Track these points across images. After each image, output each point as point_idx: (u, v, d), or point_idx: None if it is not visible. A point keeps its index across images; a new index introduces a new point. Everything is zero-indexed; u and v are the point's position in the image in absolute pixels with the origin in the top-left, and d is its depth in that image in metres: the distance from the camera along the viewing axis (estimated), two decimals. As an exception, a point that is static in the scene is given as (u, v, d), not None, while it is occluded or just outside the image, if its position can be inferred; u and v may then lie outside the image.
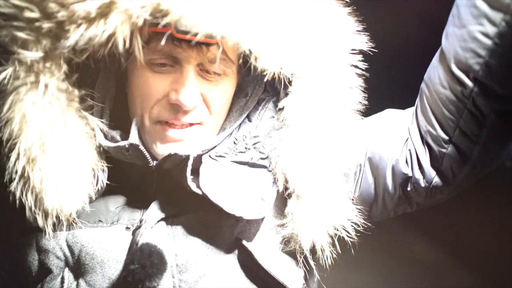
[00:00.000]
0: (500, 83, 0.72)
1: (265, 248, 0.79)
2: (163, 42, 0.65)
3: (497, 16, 0.69)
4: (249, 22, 0.64)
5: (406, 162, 0.83)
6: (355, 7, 0.79)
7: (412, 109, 0.86)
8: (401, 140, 0.84)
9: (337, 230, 0.80)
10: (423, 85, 0.83)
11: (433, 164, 0.81)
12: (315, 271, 0.89)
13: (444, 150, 0.79)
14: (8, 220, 0.78)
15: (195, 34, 0.63)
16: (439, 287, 2.12)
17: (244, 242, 0.77)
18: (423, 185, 0.82)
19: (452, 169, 0.80)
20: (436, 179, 0.81)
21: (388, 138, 0.86)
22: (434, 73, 0.79)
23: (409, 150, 0.83)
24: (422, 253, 2.33)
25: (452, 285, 2.09)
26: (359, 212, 0.81)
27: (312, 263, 0.82)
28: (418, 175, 0.82)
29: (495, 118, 0.74)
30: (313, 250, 0.81)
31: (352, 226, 0.80)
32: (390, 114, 0.90)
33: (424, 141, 0.82)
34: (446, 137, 0.78)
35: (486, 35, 0.70)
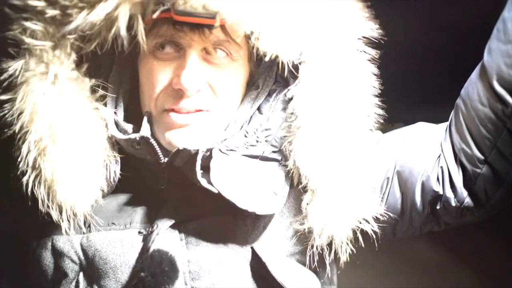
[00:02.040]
0: None
1: (279, 257, 0.78)
2: (155, 15, 0.63)
3: None
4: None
5: (438, 179, 0.80)
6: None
7: (446, 124, 0.83)
8: (433, 156, 0.81)
9: (360, 223, 0.77)
10: (459, 101, 0.79)
11: (466, 184, 0.78)
12: (334, 280, 0.88)
13: (478, 170, 0.76)
14: (24, 223, 0.78)
15: (194, 16, 0.62)
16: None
17: (258, 251, 0.75)
18: (453, 204, 0.79)
19: (486, 190, 0.77)
20: (467, 200, 0.79)
21: (420, 153, 0.82)
22: (473, 89, 0.75)
23: (441, 167, 0.80)
24: (423, 253, 2.34)
25: (453, 286, 2.11)
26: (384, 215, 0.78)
27: (327, 259, 0.79)
28: (449, 193, 0.79)
29: None
30: (330, 246, 0.78)
31: (374, 219, 0.77)
32: (422, 128, 0.87)
33: (458, 159, 0.79)
34: (482, 157, 0.75)
35: None
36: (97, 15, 0.60)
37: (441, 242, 2.39)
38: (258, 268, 0.75)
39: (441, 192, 0.80)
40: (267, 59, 0.68)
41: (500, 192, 0.76)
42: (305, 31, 0.70)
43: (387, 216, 0.80)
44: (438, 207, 0.81)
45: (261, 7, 0.63)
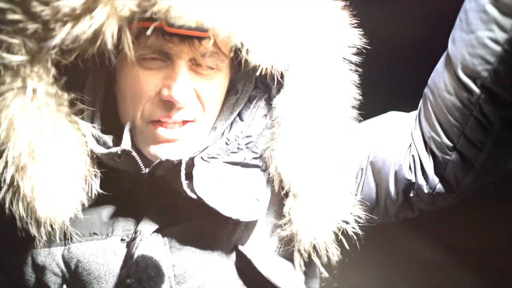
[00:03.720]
0: (508, 90, 0.70)
1: (264, 254, 0.79)
2: (149, 32, 0.62)
3: (507, 22, 0.68)
4: (241, 14, 0.62)
5: (410, 168, 0.82)
6: (349, 3, 0.78)
7: (416, 112, 0.85)
8: (404, 145, 0.83)
9: (340, 226, 0.79)
10: (427, 90, 0.81)
11: (437, 171, 0.80)
12: (316, 273, 0.89)
13: (448, 157, 0.78)
14: (3, 239, 0.76)
15: (187, 29, 0.61)
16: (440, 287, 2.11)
17: (243, 249, 0.76)
18: (426, 191, 0.81)
19: (456, 176, 0.79)
20: (439, 186, 0.80)
21: (392, 143, 0.84)
22: (439, 78, 0.77)
23: (413, 155, 0.82)
24: (423, 253, 2.32)
25: (452, 286, 2.09)
26: (360, 205, 0.80)
27: (317, 261, 0.81)
28: (421, 181, 0.81)
29: (501, 125, 0.73)
30: (316, 248, 0.80)
31: (355, 220, 0.79)
32: (393, 117, 0.89)
33: (428, 147, 0.81)
34: (450, 144, 0.77)
35: (495, 41, 0.69)
36: (82, 30, 0.58)
37: (441, 242, 2.37)
38: (244, 266, 0.76)
39: (413, 180, 0.81)
40: (258, 73, 0.68)
41: (469, 177, 0.78)
42: (294, 43, 0.71)
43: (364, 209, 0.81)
44: (411, 195, 0.83)
45: (253, 21, 0.63)
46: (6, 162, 0.65)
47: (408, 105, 0.88)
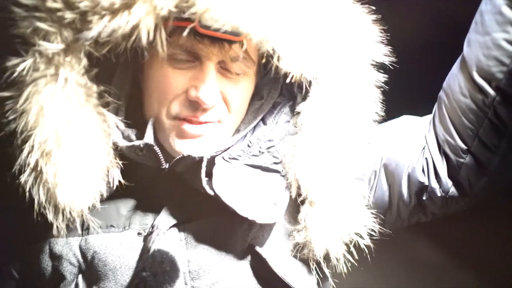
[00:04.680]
0: None
1: (278, 255, 0.78)
2: (185, 33, 0.63)
3: None
4: (275, 21, 0.63)
5: (423, 170, 0.81)
6: (375, 10, 0.77)
7: (430, 116, 0.85)
8: (418, 148, 0.83)
9: (353, 238, 0.78)
10: (441, 93, 0.81)
11: (450, 174, 0.79)
12: (329, 278, 0.88)
13: (462, 160, 0.77)
14: (21, 227, 0.77)
15: (219, 31, 0.62)
16: (440, 289, 2.12)
17: (258, 249, 0.76)
18: (439, 194, 0.80)
19: (470, 179, 0.78)
20: (452, 189, 0.80)
21: (405, 146, 0.84)
22: (454, 81, 0.77)
23: (426, 158, 0.81)
24: (423, 254, 2.33)
25: (452, 286, 2.10)
26: (374, 217, 0.80)
27: (326, 270, 0.81)
28: (434, 184, 0.80)
29: None
30: (327, 258, 0.79)
31: (368, 232, 0.79)
32: (407, 121, 0.88)
33: (442, 150, 0.80)
34: (465, 147, 0.77)
35: (511, 42, 0.69)
36: (119, 24, 0.59)
37: (441, 243, 2.39)
38: (259, 265, 0.76)
39: (426, 183, 0.81)
40: (288, 81, 0.69)
41: (483, 180, 0.77)
42: (324, 53, 0.72)
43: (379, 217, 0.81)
44: (424, 198, 0.82)
45: (286, 28, 0.64)
46: (32, 147, 0.66)
47: (422, 110, 0.88)
